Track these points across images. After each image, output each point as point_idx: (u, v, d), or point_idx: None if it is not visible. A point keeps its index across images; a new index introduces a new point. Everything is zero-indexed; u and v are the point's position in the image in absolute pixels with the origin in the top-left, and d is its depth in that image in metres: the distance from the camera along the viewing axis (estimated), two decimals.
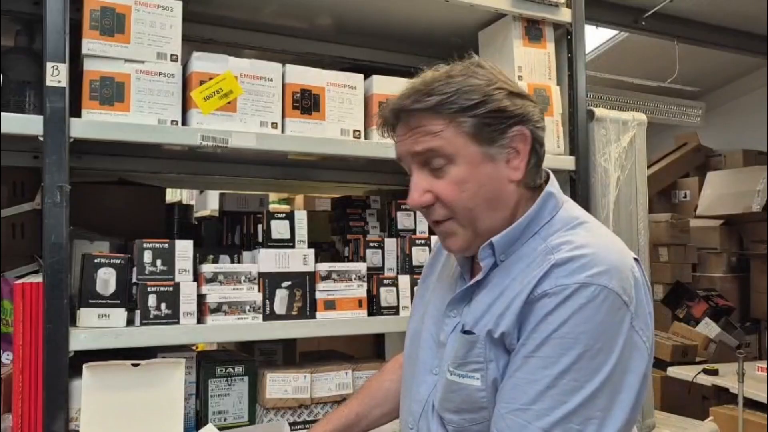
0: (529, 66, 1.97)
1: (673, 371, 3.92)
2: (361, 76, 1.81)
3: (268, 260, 1.67)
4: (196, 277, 1.61)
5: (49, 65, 1.41)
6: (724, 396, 3.66)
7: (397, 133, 1.11)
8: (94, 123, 1.49)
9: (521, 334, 1.01)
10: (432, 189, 1.08)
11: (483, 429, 1.05)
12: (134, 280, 1.55)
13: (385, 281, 1.81)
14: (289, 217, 1.74)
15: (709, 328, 4.67)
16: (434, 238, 1.89)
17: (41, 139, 1.41)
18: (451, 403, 1.08)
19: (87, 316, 1.49)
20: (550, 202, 1.11)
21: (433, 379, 1.14)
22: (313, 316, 1.70)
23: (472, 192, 1.06)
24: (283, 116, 1.69)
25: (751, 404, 3.37)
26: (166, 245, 1.57)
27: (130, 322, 1.53)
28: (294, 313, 1.68)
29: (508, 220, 1.10)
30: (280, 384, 1.69)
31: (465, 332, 1.07)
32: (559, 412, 0.96)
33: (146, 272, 1.55)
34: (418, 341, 1.21)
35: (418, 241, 1.87)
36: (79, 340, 1.43)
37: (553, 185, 1.14)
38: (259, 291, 1.65)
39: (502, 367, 1.04)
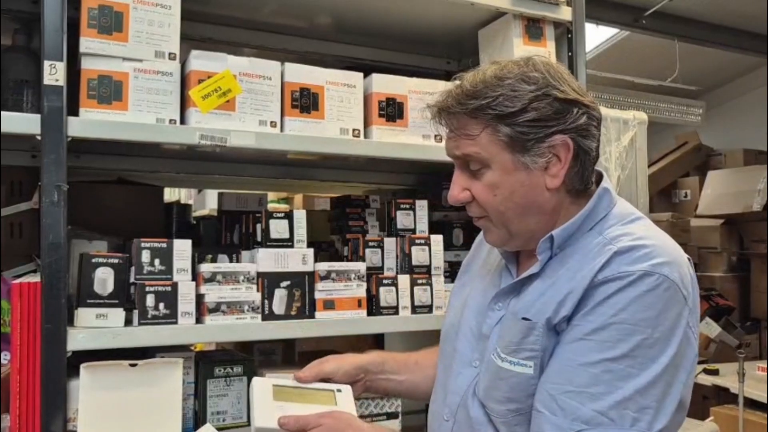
0: None
1: None
2: (361, 74, 1.80)
3: (267, 260, 1.66)
4: (195, 276, 1.60)
5: (46, 64, 1.40)
6: (724, 396, 3.66)
7: (446, 128, 1.14)
8: (92, 122, 1.48)
9: (573, 317, 1.02)
10: (469, 188, 1.11)
11: (527, 419, 1.05)
12: (132, 279, 1.55)
13: (385, 281, 1.80)
14: (288, 216, 1.74)
15: (709, 328, 4.66)
16: (428, 238, 1.88)
17: (39, 138, 1.40)
18: (498, 392, 1.08)
19: (85, 315, 1.48)
20: (605, 199, 1.12)
21: (472, 371, 1.15)
22: (312, 316, 1.70)
23: (504, 197, 1.08)
24: (282, 115, 1.69)
25: (752, 404, 3.37)
26: (165, 245, 1.57)
27: (128, 322, 1.53)
28: (293, 312, 1.67)
29: (546, 224, 1.11)
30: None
31: (524, 319, 1.07)
32: (614, 396, 0.96)
33: (144, 272, 1.54)
34: (456, 334, 1.22)
35: (417, 241, 1.86)
36: (77, 340, 1.42)
37: (608, 183, 1.15)
38: (257, 291, 1.64)
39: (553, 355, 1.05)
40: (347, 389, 1.30)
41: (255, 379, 1.25)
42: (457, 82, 1.12)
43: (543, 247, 1.10)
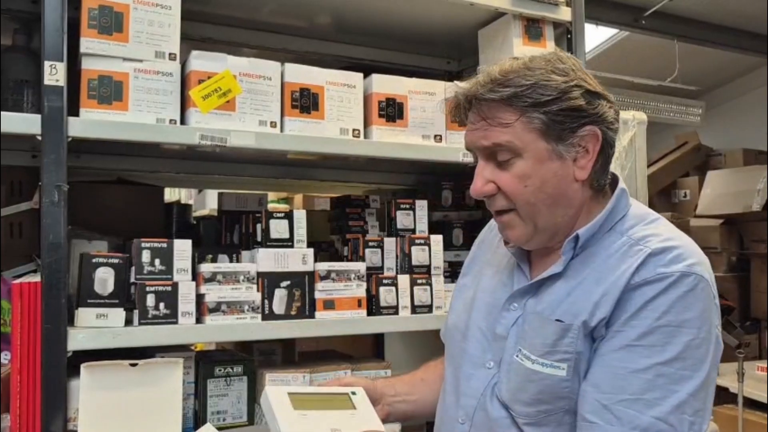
0: None
1: None
2: (361, 74, 1.80)
3: (267, 260, 1.67)
4: (195, 276, 1.60)
5: (47, 64, 1.41)
6: (723, 395, 3.66)
7: (469, 120, 1.10)
8: (92, 122, 1.48)
9: (613, 322, 1.01)
10: (495, 180, 1.08)
11: (555, 420, 1.04)
12: (133, 279, 1.55)
13: (385, 281, 1.80)
14: (288, 216, 1.74)
15: None
16: (428, 238, 1.88)
17: (39, 138, 1.40)
18: (527, 394, 1.06)
19: (85, 315, 1.48)
20: (623, 200, 1.12)
21: (486, 372, 1.14)
22: (312, 316, 1.70)
23: (535, 187, 1.06)
24: (282, 115, 1.69)
25: (751, 404, 3.37)
26: (165, 245, 1.57)
27: (128, 321, 1.53)
28: (293, 312, 1.67)
29: (570, 218, 1.10)
30: (279, 384, 1.69)
31: (557, 320, 1.06)
32: (671, 400, 0.95)
33: (145, 272, 1.54)
34: (464, 336, 1.21)
35: (417, 241, 1.86)
36: (77, 340, 1.42)
37: (623, 183, 1.15)
38: (258, 291, 1.64)
39: (587, 358, 1.03)
40: (361, 391, 1.27)
41: (268, 389, 1.22)
42: (479, 75, 1.08)
43: (568, 246, 1.09)
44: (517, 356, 1.09)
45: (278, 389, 1.23)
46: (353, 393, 1.27)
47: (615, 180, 1.15)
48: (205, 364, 1.70)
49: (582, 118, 1.06)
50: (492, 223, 1.36)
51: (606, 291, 1.02)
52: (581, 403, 1.02)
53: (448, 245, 2.06)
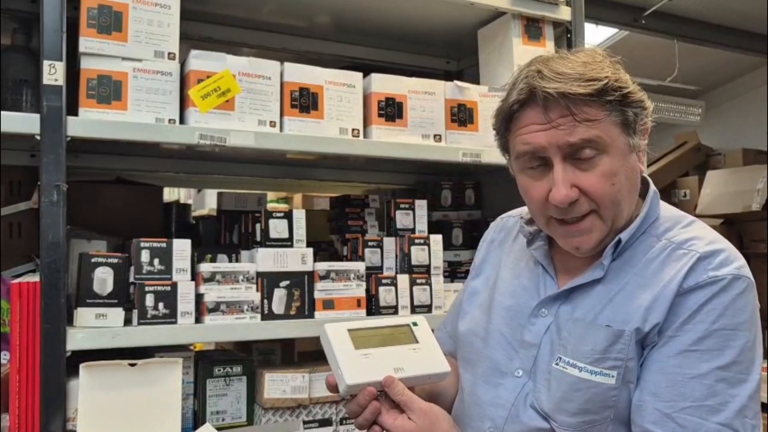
0: None
1: None
2: (360, 74, 1.80)
3: (266, 259, 1.66)
4: (194, 276, 1.60)
5: (46, 63, 1.41)
6: None
7: (538, 120, 1.01)
8: (91, 122, 1.48)
9: (667, 328, 0.99)
10: (578, 183, 1.01)
11: (599, 430, 1.01)
12: (132, 279, 1.55)
13: (384, 281, 1.80)
14: (288, 216, 1.74)
15: None
16: (428, 238, 1.88)
17: (38, 137, 1.40)
18: (573, 404, 1.02)
19: (84, 315, 1.48)
20: (655, 202, 1.11)
21: (515, 381, 1.09)
22: (312, 316, 1.70)
23: (621, 184, 1.02)
24: (282, 115, 1.69)
25: None
26: (164, 244, 1.57)
27: (127, 321, 1.53)
28: (292, 312, 1.67)
29: (630, 216, 1.08)
30: (278, 384, 1.69)
31: (607, 326, 1.02)
32: (733, 405, 0.94)
33: (144, 271, 1.54)
34: (484, 342, 1.17)
35: (416, 241, 1.86)
36: (76, 339, 1.42)
37: (654, 186, 1.13)
38: (257, 290, 1.64)
39: (636, 366, 1.01)
40: (422, 321, 1.20)
41: (327, 327, 1.13)
42: (545, 71, 1.01)
43: (609, 251, 1.06)
44: (557, 364, 1.05)
45: (338, 326, 1.16)
46: (414, 324, 1.20)
47: (645, 183, 1.13)
48: (205, 364, 1.70)
49: (645, 109, 1.05)
50: (500, 222, 1.34)
51: (656, 296, 1.00)
52: (640, 414, 0.99)
53: (447, 245, 2.06)
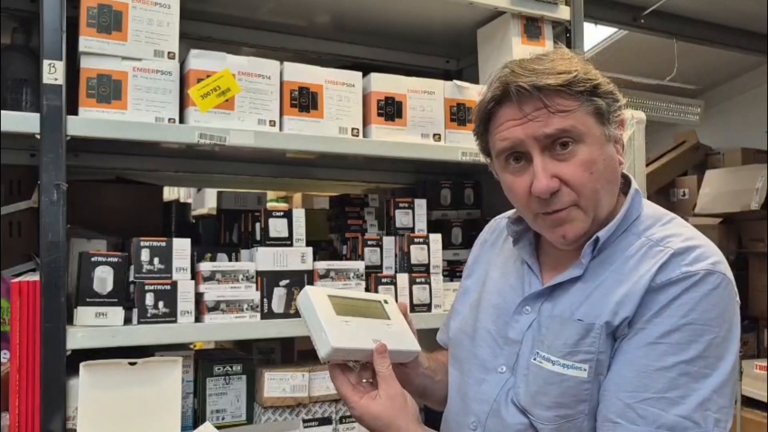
0: None
1: None
2: (360, 73, 1.80)
3: (266, 258, 1.67)
4: (194, 275, 1.60)
5: (46, 63, 1.41)
6: None
7: (513, 116, 1.04)
8: (91, 121, 1.48)
9: (637, 320, 1.00)
10: (558, 173, 1.03)
11: (575, 426, 1.02)
12: (132, 278, 1.55)
13: (384, 280, 1.80)
14: (287, 215, 1.74)
15: None
16: (427, 237, 1.88)
17: (38, 137, 1.40)
18: (547, 397, 1.04)
19: (84, 314, 1.48)
20: (637, 200, 1.12)
21: (498, 377, 1.11)
22: None
23: (599, 173, 1.04)
24: (281, 114, 1.69)
25: (750, 403, 3.38)
26: (164, 243, 1.57)
27: (127, 320, 1.53)
28: (292, 311, 1.67)
29: (611, 210, 1.09)
30: (278, 383, 1.69)
31: (578, 320, 1.04)
32: (694, 398, 0.95)
33: (144, 271, 1.55)
34: (472, 340, 1.19)
35: (416, 240, 1.86)
36: (76, 338, 1.43)
37: (636, 184, 1.14)
38: (257, 289, 1.64)
39: (608, 360, 1.02)
40: (391, 299, 1.23)
41: (309, 289, 1.13)
42: (516, 68, 1.04)
43: (587, 249, 1.07)
44: (534, 359, 1.06)
45: (319, 290, 1.16)
46: (385, 301, 1.22)
47: (627, 181, 1.15)
48: (204, 362, 1.71)
49: (617, 101, 1.08)
50: (493, 223, 1.35)
51: (628, 291, 1.01)
52: (603, 403, 1.00)
53: (447, 244, 2.06)
